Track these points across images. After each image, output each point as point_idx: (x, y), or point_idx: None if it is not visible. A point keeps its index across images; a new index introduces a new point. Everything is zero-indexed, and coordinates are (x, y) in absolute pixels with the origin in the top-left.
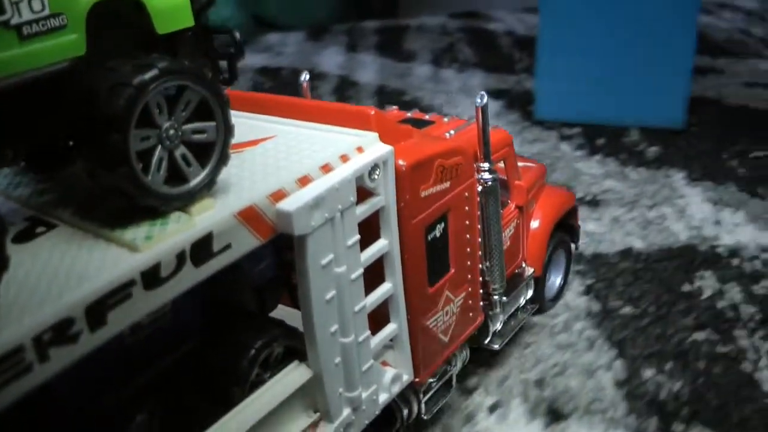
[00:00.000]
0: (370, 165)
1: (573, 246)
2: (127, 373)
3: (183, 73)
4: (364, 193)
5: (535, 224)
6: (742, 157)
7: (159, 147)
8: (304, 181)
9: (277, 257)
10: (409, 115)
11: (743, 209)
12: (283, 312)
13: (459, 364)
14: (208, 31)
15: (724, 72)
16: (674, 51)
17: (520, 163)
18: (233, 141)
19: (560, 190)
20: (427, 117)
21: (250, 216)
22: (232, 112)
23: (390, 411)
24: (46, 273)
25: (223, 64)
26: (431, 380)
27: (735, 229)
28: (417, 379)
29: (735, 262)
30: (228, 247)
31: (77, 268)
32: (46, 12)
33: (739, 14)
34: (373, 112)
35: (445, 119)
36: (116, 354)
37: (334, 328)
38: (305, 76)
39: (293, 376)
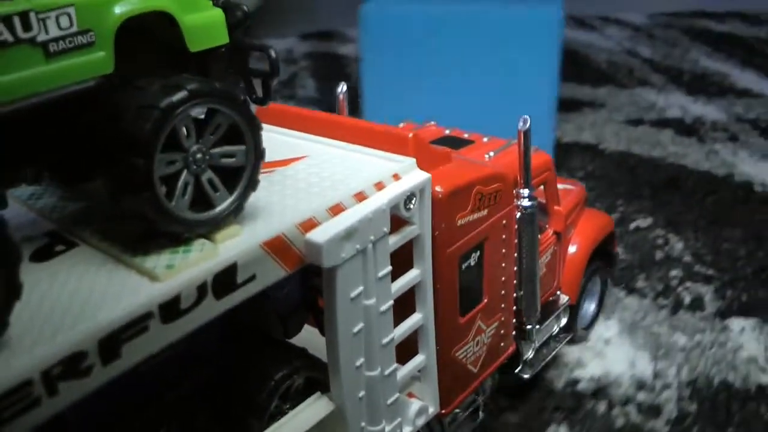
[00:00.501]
0: (407, 194)
1: (609, 273)
2: (139, 401)
3: (213, 95)
4: (397, 222)
5: (572, 250)
6: (620, 229)
7: (185, 171)
8: (336, 209)
9: (303, 281)
10: (447, 132)
11: (618, 313)
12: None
13: (487, 393)
14: (242, 48)
15: (604, 105)
16: (532, 95)
17: (559, 185)
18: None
19: (599, 214)
20: (466, 135)
21: (277, 246)
22: (263, 126)
23: None
24: (61, 299)
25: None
26: (457, 410)
27: (605, 350)
28: (443, 411)
29: (601, 408)
30: (252, 278)
31: (94, 295)
32: (74, 29)
33: (625, 31)
34: (411, 135)
35: (485, 139)
36: (128, 381)
37: (359, 361)
38: (342, 88)
39: (314, 408)
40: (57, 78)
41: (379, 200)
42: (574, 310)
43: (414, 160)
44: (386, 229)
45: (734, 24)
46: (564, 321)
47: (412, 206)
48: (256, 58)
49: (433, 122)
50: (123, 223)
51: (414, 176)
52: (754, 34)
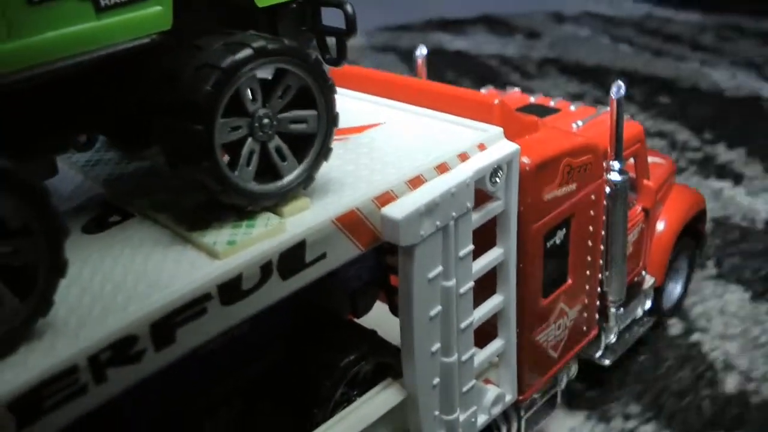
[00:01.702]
0: (493, 166)
1: (698, 253)
2: (197, 385)
3: (282, 54)
4: (481, 197)
5: (660, 228)
6: None
7: (250, 138)
8: (415, 182)
9: (376, 258)
10: (532, 100)
11: None
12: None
13: (566, 380)
14: (315, 3)
15: None
16: None
17: (648, 159)
18: None
19: (689, 191)
20: (552, 103)
21: (350, 222)
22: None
23: (486, 428)
24: (113, 275)
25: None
26: (534, 396)
27: None
28: (520, 398)
29: None
30: (322, 257)
31: (148, 272)
32: None
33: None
34: (497, 101)
35: (572, 107)
36: (186, 364)
37: (435, 347)
38: (421, 50)
39: (384, 396)
40: (109, 35)
41: (463, 173)
42: (659, 292)
43: (501, 129)
44: (470, 205)
45: (477, 36)
46: (648, 304)
47: (498, 180)
48: None
49: (517, 88)
50: (183, 194)
51: (502, 147)
52: (500, 50)
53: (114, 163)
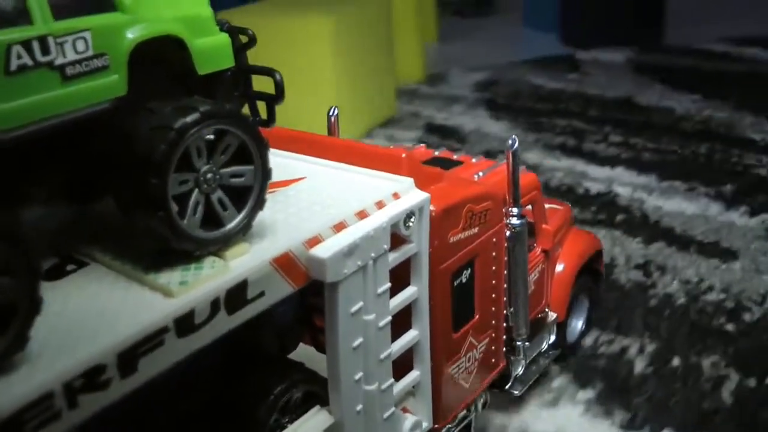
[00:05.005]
0: (407, 212)
1: (596, 291)
2: (139, 416)
3: (225, 116)
4: (396, 240)
5: (559, 269)
6: None
7: (196, 191)
8: (339, 227)
9: (300, 298)
10: (436, 153)
11: None
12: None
13: (479, 410)
14: (246, 71)
15: None
16: None
17: (546, 205)
18: None
19: (585, 234)
20: (455, 157)
21: (285, 263)
22: None
23: None
24: (77, 316)
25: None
26: (449, 426)
27: None
28: (436, 426)
29: None
30: (262, 294)
31: (109, 311)
32: (90, 52)
33: None
34: (404, 155)
35: (473, 159)
36: (123, 400)
37: (358, 375)
38: (334, 111)
39: (314, 422)
40: (73, 101)
41: (380, 218)
42: (562, 326)
43: (412, 180)
44: (386, 246)
45: None
46: (552, 338)
47: (411, 224)
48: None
49: (422, 144)
50: (133, 241)
51: (413, 195)
52: None
53: (65, 217)
